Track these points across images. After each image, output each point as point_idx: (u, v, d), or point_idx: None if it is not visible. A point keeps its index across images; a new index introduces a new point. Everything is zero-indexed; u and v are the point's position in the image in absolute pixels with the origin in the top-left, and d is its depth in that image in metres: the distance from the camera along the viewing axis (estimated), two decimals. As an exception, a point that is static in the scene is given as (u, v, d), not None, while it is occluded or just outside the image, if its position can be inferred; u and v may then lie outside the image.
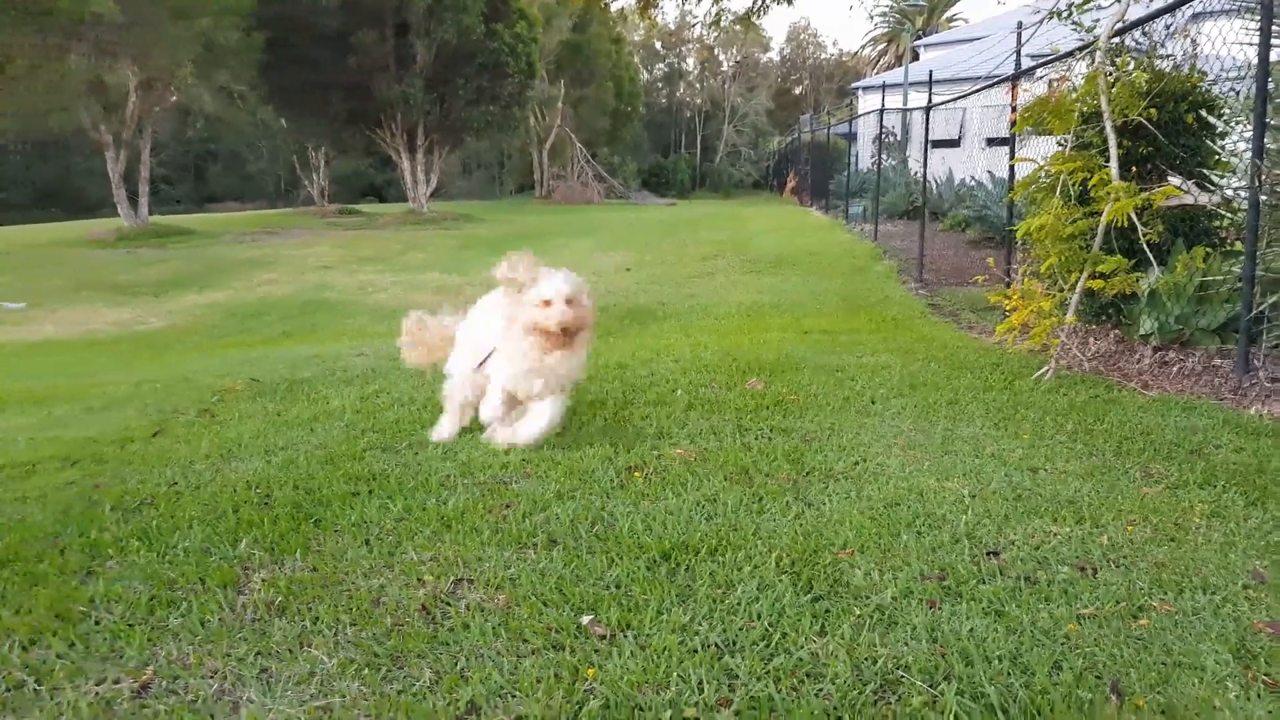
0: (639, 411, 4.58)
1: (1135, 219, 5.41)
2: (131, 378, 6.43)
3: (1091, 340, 6.50)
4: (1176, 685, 2.01)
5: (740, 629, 2.23)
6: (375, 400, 5.06)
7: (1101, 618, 2.32)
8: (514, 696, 1.96)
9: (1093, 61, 6.25)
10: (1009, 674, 2.03)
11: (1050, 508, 3.16)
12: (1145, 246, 5.52)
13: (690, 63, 55.83)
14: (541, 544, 2.79)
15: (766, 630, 2.23)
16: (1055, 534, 2.93)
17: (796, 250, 14.65)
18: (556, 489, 3.32)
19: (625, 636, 2.20)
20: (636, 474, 3.52)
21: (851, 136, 28.41)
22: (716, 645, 2.15)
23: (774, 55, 66.83)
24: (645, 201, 32.26)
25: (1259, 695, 1.98)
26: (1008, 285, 7.42)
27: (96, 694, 1.98)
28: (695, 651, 2.12)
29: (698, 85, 57.31)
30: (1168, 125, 6.35)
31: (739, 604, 2.37)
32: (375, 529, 2.91)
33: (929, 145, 12.23)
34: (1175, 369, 5.75)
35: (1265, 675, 2.06)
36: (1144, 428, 4.27)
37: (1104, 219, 5.57)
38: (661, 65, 56.47)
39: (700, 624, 2.25)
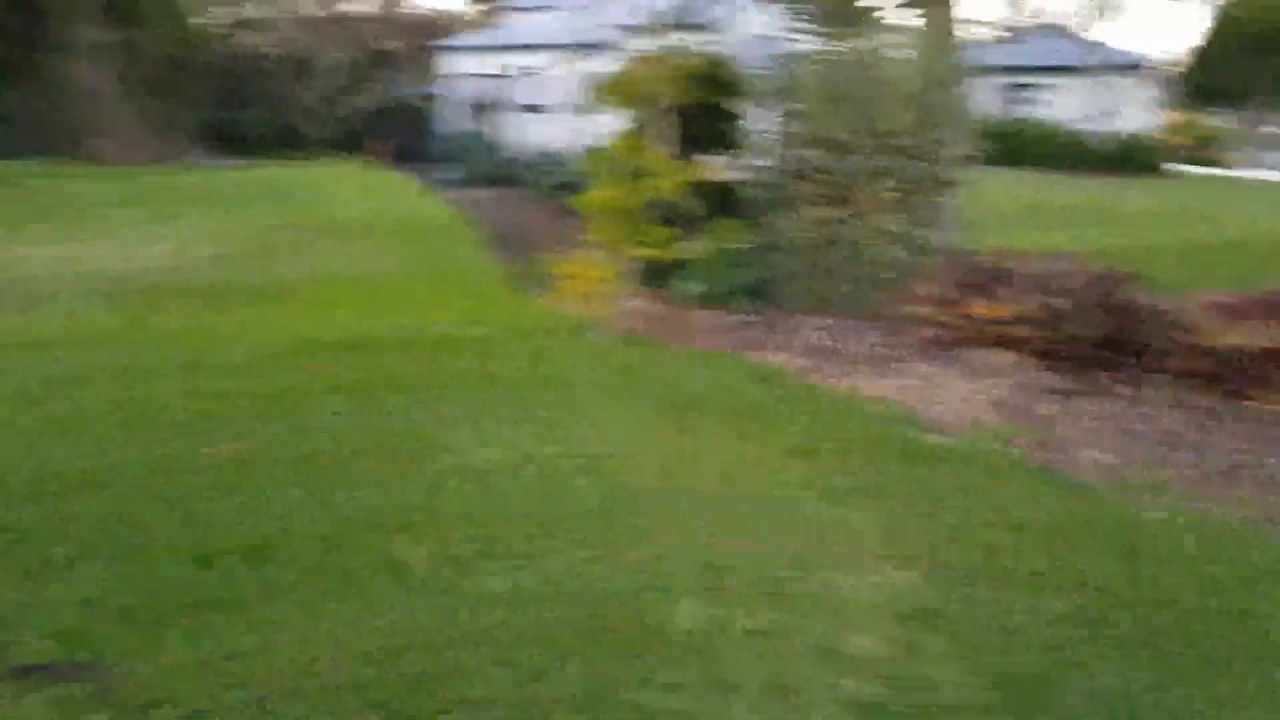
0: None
1: (682, 193, 6.18)
2: None
3: (646, 305, 7.31)
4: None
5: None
6: None
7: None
8: None
9: (658, 43, 6.97)
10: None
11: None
12: (687, 219, 6.35)
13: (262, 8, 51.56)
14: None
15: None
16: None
17: (383, 218, 14.50)
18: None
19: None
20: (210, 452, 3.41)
21: (441, 99, 28.34)
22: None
23: (364, 6, 63.78)
24: (213, 162, 29.54)
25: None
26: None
27: None
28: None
29: (274, 33, 53.11)
30: (714, 109, 7.26)
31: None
32: None
33: (517, 111, 12.61)
34: (715, 327, 6.68)
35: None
36: (676, 379, 4.97)
37: (657, 193, 6.29)
38: (229, 8, 51.48)
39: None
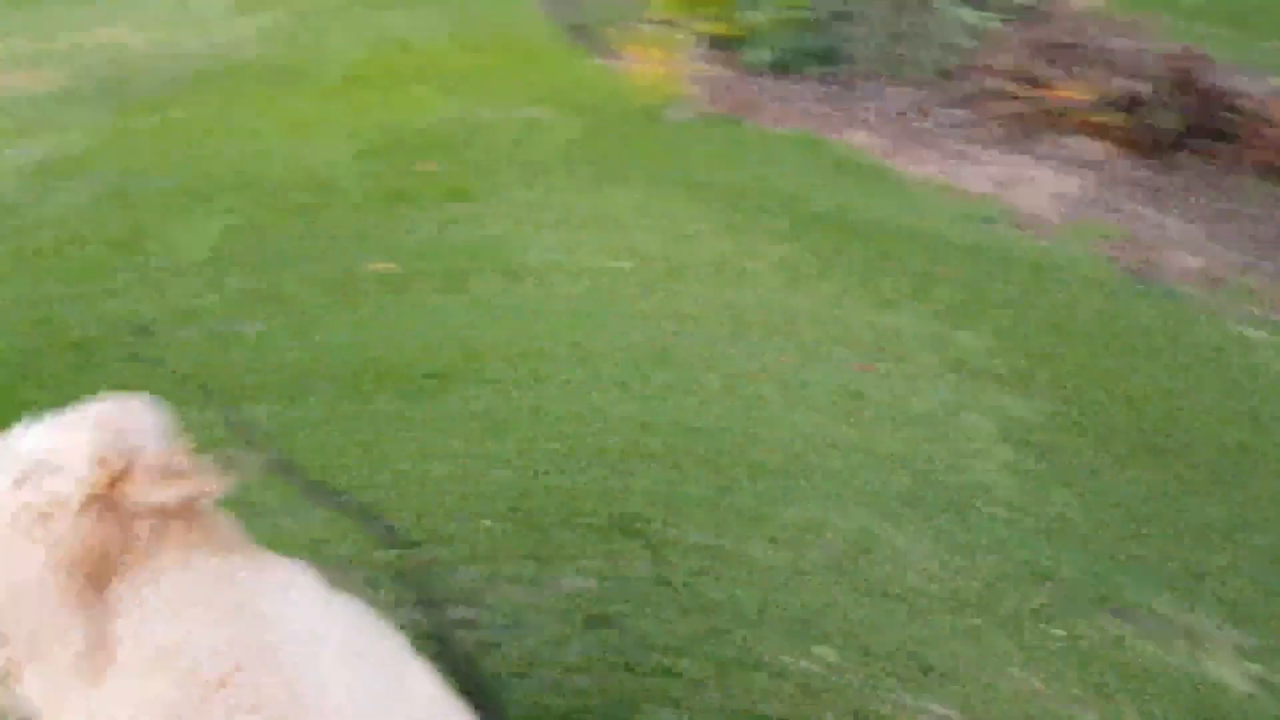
0: (324, 219, 4.75)
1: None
2: None
3: (716, 76, 7.32)
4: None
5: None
6: (39, 237, 4.78)
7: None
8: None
9: None
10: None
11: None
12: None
13: None
14: (290, 395, 3.17)
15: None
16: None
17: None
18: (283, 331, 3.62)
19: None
20: (353, 299, 3.88)
21: None
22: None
23: None
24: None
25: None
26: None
27: None
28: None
29: None
30: None
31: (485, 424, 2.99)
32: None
33: None
34: (788, 97, 6.74)
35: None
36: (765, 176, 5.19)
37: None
38: None
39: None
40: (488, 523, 2.52)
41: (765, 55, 7.07)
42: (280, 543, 2.32)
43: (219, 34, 10.60)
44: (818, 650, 2.18)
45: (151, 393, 3.15)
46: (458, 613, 2.17)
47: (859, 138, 5.78)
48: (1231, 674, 2.16)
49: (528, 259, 4.19)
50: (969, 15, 6.15)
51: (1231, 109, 4.67)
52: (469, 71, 7.84)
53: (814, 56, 7.01)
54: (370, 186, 5.10)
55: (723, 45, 7.30)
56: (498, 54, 8.42)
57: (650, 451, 2.89)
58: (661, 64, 6.32)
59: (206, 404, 3.06)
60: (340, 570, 2.34)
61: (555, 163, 5.47)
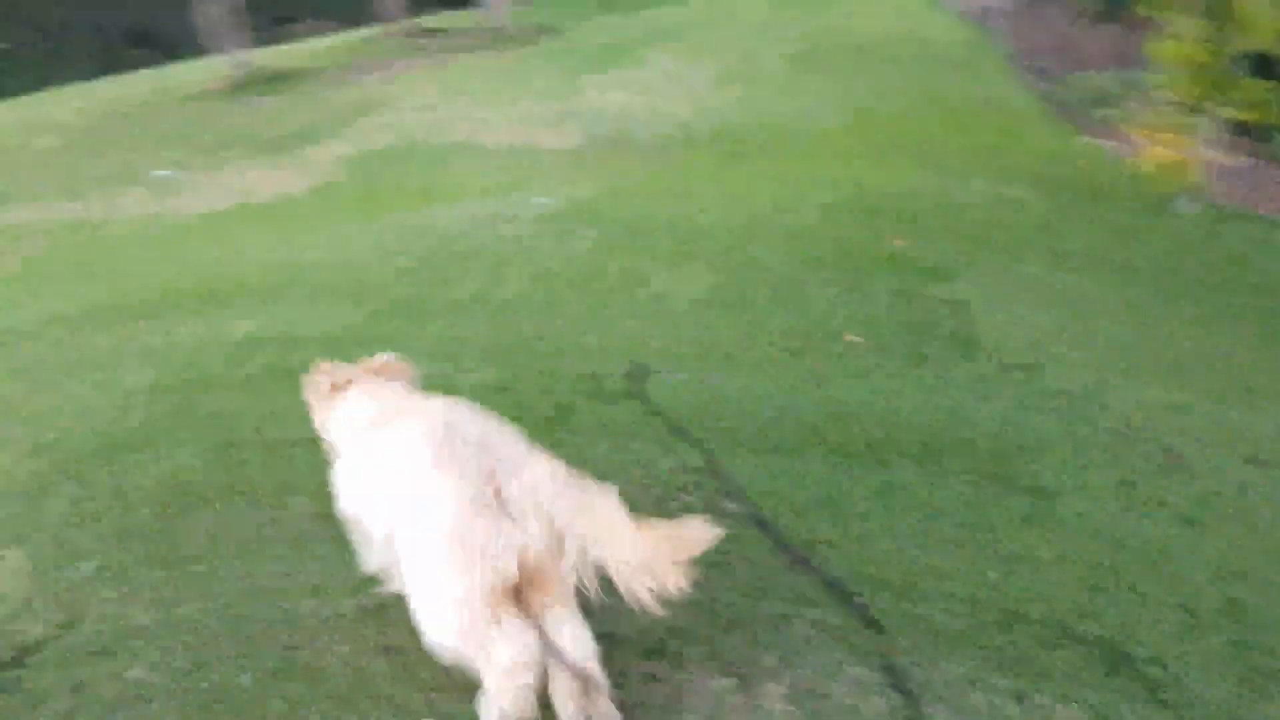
0: (792, 280, 4.98)
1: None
2: (307, 255, 7.03)
3: (1235, 161, 6.51)
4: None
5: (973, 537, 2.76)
6: (548, 277, 5.56)
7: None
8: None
9: None
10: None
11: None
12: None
13: None
14: (767, 449, 3.34)
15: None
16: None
17: (890, 37, 14.13)
18: (756, 387, 3.82)
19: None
20: (816, 365, 4.01)
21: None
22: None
23: None
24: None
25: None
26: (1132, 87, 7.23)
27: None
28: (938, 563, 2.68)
29: None
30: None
31: (954, 506, 2.91)
32: (619, 435, 3.47)
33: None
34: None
35: None
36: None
37: (1251, 39, 5.48)
38: None
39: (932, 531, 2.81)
40: (966, 622, 2.43)
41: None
42: (751, 602, 2.45)
43: (706, 102, 11.71)
44: None
45: (640, 432, 3.51)
46: (935, 710, 2.09)
47: None
48: None
49: (1006, 345, 4.04)
50: None
51: None
52: (943, 143, 7.80)
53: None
54: (843, 254, 5.25)
55: (1251, 133, 6.48)
56: (975, 127, 8.27)
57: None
58: (1170, 148, 5.75)
59: (691, 448, 3.33)
60: (803, 638, 2.39)
61: (1036, 246, 5.22)
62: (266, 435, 3.75)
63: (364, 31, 27.71)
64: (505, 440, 2.06)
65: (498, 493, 1.81)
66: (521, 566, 1.77)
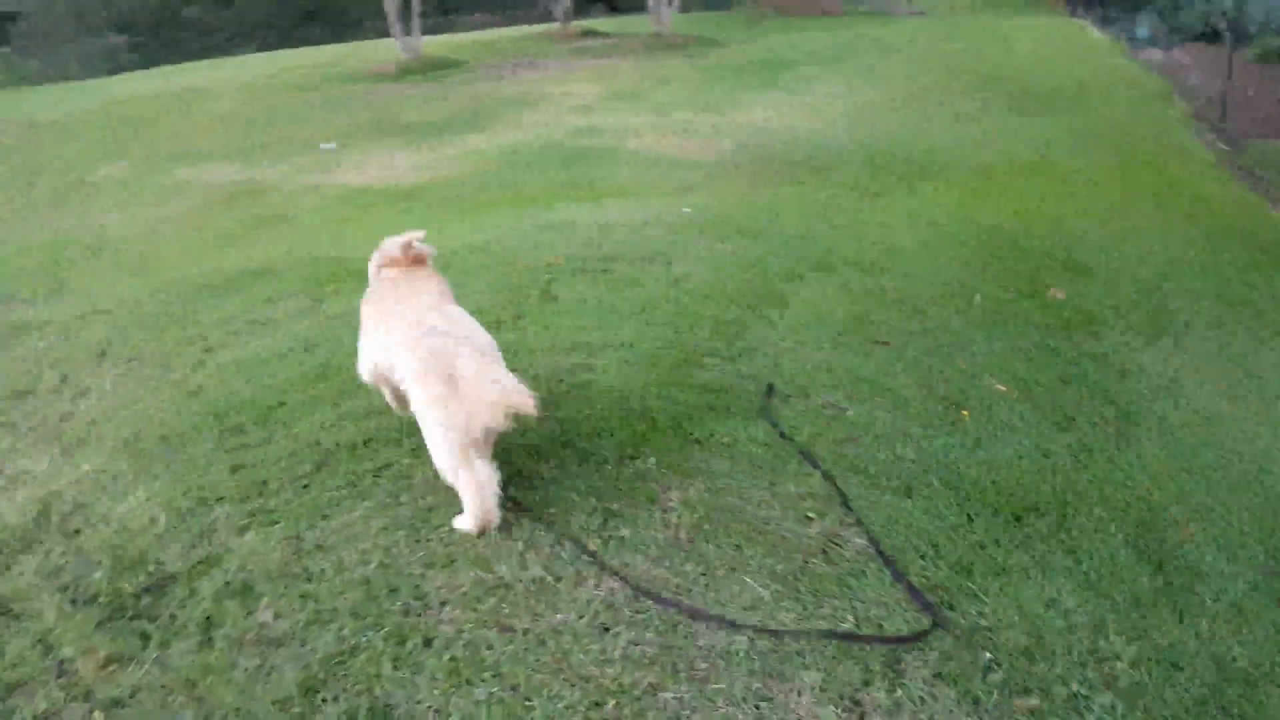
0: (937, 319, 4.83)
1: None
2: (455, 240, 7.25)
3: None
4: None
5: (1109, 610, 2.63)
6: (685, 287, 5.57)
7: None
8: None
9: None
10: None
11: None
12: None
13: None
14: (897, 489, 3.25)
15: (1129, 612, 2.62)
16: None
17: (1068, 84, 13.60)
18: (891, 421, 3.74)
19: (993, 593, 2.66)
20: (965, 412, 3.88)
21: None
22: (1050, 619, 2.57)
23: None
24: (890, 9, 30.15)
25: None
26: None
27: (600, 598, 2.68)
28: (1072, 630, 2.56)
29: None
30: None
31: (1093, 577, 2.76)
32: (746, 455, 3.46)
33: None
34: None
35: None
36: None
37: None
38: None
39: (1066, 597, 2.68)
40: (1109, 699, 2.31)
41: None
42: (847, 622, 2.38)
43: (866, 127, 11.51)
44: None
45: (766, 453, 3.47)
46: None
47: None
48: None
49: (1167, 410, 3.81)
50: None
51: None
52: (1116, 194, 7.45)
53: None
54: (994, 297, 5.07)
55: None
56: (1153, 182, 7.85)
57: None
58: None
59: (817, 476, 3.28)
60: (920, 680, 2.32)
61: (1209, 311, 4.93)
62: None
63: (527, 28, 28.53)
64: (464, 332, 3.08)
65: (453, 379, 2.83)
66: (471, 431, 2.79)
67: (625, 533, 2.95)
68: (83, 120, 14.44)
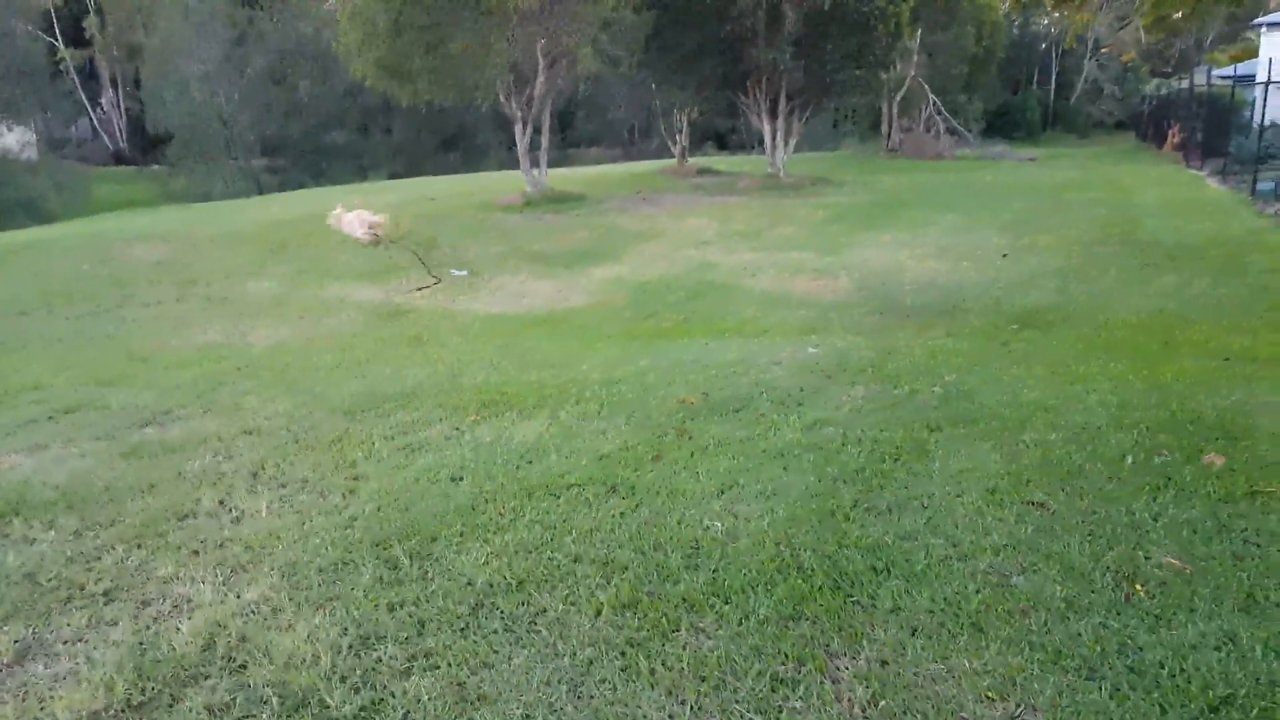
0: (1091, 481, 4.61)
1: None
2: (591, 373, 7.38)
3: None
4: None
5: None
6: (823, 433, 5.49)
7: None
8: None
9: None
10: None
11: None
12: None
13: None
14: (1079, 670, 3.04)
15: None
16: None
17: (1193, 238, 13.27)
18: (1062, 593, 3.53)
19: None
20: (1138, 587, 3.65)
21: (1255, 83, 24.80)
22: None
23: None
24: (1001, 156, 30.38)
25: None
26: None
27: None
28: None
29: (1055, 14, 52.50)
30: None
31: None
32: (915, 623, 3.30)
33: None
34: None
35: None
36: None
37: None
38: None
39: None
40: None
41: None
42: None
43: (986, 273, 11.44)
44: None
45: (933, 617, 3.31)
46: None
47: None
48: None
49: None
50: None
51: None
52: (1264, 359, 7.14)
53: None
54: (1147, 462, 4.83)
55: None
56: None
57: None
58: None
59: (985, 645, 3.10)
60: None
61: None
62: (561, 543, 3.87)
63: (643, 164, 29.77)
64: None
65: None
66: None
67: (796, 703, 2.82)
68: (234, 237, 15.49)
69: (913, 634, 3.20)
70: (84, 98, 41.94)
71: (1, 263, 14.66)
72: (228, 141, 34.66)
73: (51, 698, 2.96)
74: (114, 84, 43.82)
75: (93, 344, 9.42)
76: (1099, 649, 3.16)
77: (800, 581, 3.55)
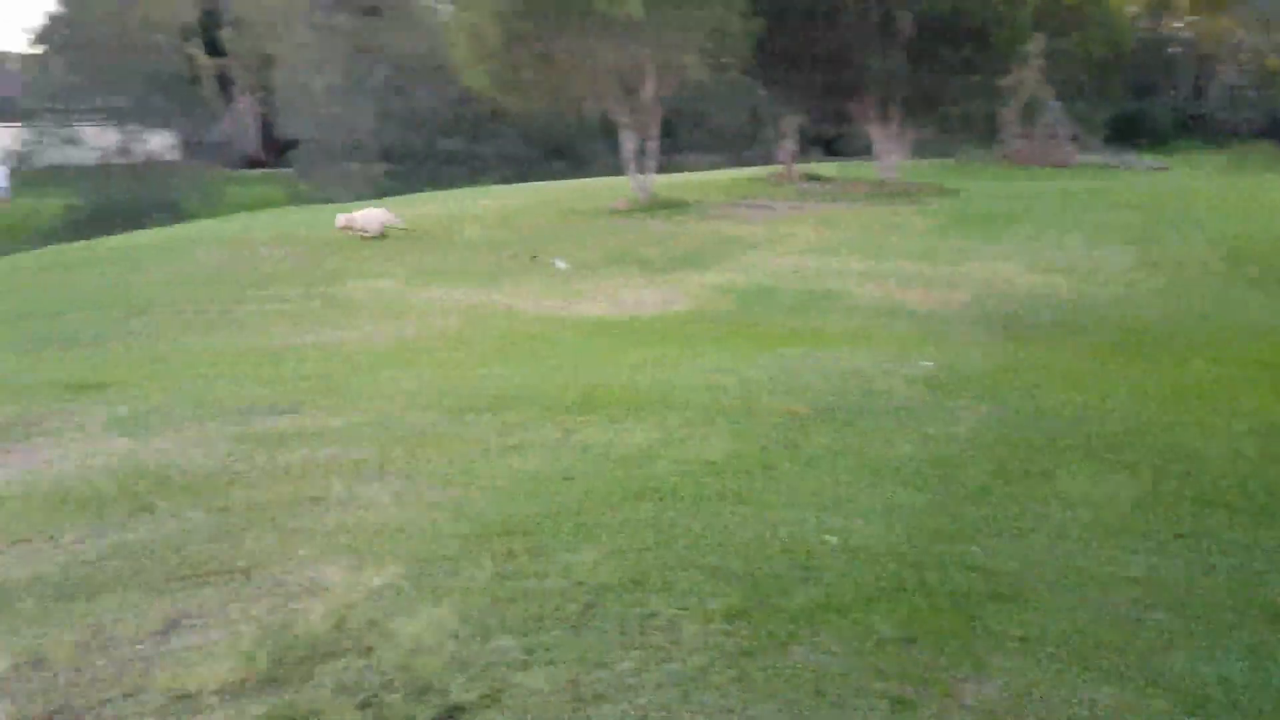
0: (1238, 514, 4.38)
1: None
2: (694, 378, 7.38)
3: None
4: None
5: None
6: (940, 450, 5.35)
7: None
8: None
9: None
10: None
11: None
12: None
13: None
14: (1227, 717, 2.88)
15: None
16: None
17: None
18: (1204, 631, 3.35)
19: None
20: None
21: None
22: None
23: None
24: (1127, 164, 29.09)
25: None
26: None
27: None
28: None
29: (1190, 19, 49.93)
30: None
31: None
32: (1045, 654, 3.16)
33: None
34: None
35: None
36: None
37: None
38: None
39: None
40: None
41: None
42: None
43: (1111, 287, 10.99)
44: None
45: (1065, 649, 3.18)
46: None
47: None
48: None
49: None
50: None
51: None
52: None
53: None
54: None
55: None
56: None
57: None
58: None
59: (1118, 683, 2.97)
60: None
61: None
62: (671, 548, 3.89)
63: (749, 170, 29.62)
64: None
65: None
66: None
67: (918, 726, 2.76)
68: (353, 239, 16.11)
69: (1042, 665, 3.09)
70: (220, 104, 44.28)
71: (141, 258, 15.60)
72: (350, 147, 36.04)
73: (197, 667, 3.13)
74: (247, 91, 46.17)
75: (225, 337, 9.93)
76: (1250, 694, 2.99)
77: (922, 602, 3.47)
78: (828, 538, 4.06)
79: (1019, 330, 9.32)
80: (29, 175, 32.68)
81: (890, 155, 21.89)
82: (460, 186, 30.71)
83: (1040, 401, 6.28)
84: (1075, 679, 3.00)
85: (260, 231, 17.76)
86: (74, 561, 4.03)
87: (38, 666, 3.21)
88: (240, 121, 46.17)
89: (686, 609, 3.44)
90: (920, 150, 28.64)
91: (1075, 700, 2.89)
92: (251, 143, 45.80)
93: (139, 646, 3.31)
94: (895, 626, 3.27)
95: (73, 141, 34.37)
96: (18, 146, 35.19)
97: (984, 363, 7.71)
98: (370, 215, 16.12)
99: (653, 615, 3.41)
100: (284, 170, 38.96)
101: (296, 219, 20.83)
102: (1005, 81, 26.14)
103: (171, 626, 3.45)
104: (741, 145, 39.86)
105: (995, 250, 13.89)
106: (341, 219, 15.96)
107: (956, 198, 20.08)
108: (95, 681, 3.11)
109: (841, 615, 3.36)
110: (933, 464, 5.05)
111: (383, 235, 15.69)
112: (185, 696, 2.98)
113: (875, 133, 21.81)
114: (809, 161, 32.25)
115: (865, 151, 29.41)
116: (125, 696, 3.01)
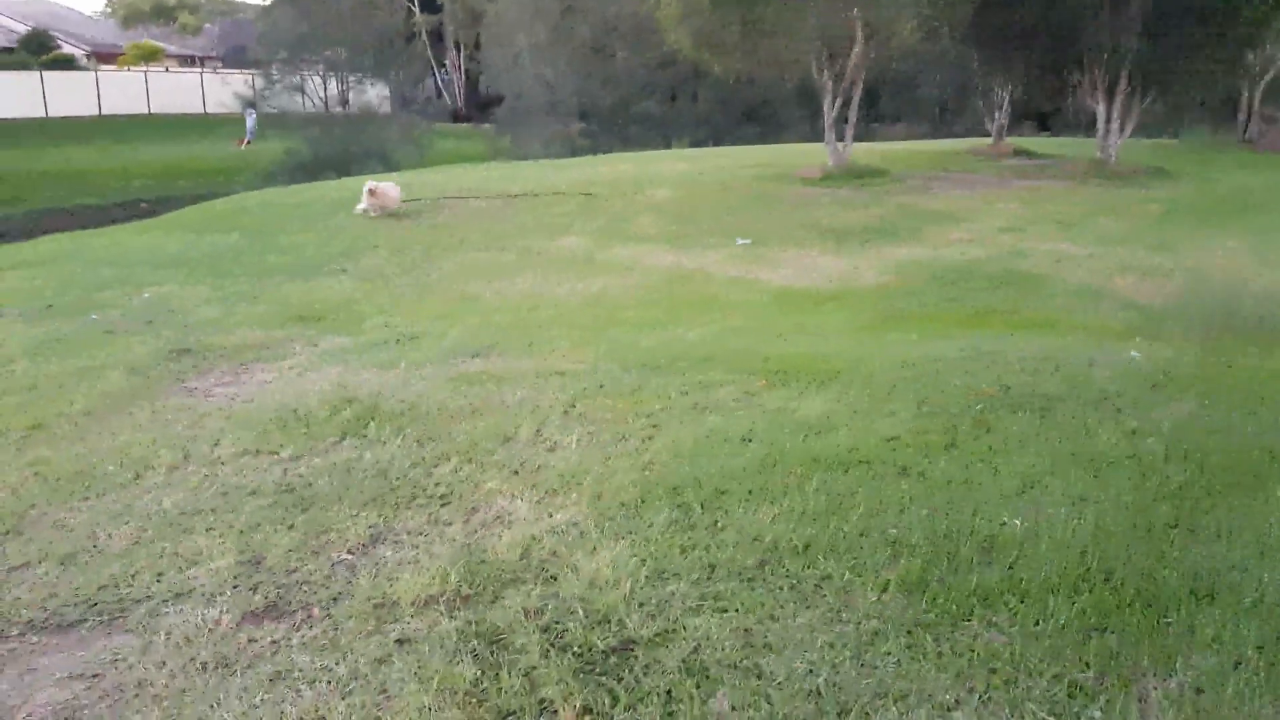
0: None
1: None
2: (878, 353, 7.23)
3: None
4: None
5: None
6: (1144, 445, 5.03)
7: None
8: None
9: None
10: None
11: None
12: None
13: None
14: None
15: None
16: None
17: None
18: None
19: None
20: None
21: None
22: None
23: None
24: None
25: None
26: None
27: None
28: None
29: None
30: None
31: None
32: (1240, 659, 2.98)
33: None
34: None
35: None
36: None
37: None
38: None
39: None
40: None
41: None
42: None
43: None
44: None
45: (1263, 655, 2.98)
46: None
47: None
48: None
49: None
50: None
51: None
52: None
53: None
54: None
55: None
56: None
57: None
58: None
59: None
60: None
61: None
62: (848, 516, 3.89)
63: (954, 142, 28.34)
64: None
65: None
66: None
67: (1096, 713, 2.68)
68: (549, 195, 16.66)
69: (1235, 667, 2.91)
70: (432, 60, 46.63)
71: (353, 201, 16.76)
72: (549, 106, 37.13)
73: (397, 579, 3.44)
74: (457, 48, 48.34)
75: (428, 284, 10.57)
76: None
77: (1108, 594, 3.33)
78: (1012, 521, 3.94)
79: (1243, 329, 8.54)
80: (259, 120, 35.74)
81: (1113, 133, 20.33)
82: (653, 149, 31.04)
83: (1258, 407, 5.76)
84: (1272, 684, 2.81)
85: (454, 185, 18.64)
86: (291, 475, 4.49)
87: (256, 565, 3.62)
88: (449, 77, 48.41)
89: (861, 576, 3.45)
90: (1146, 130, 26.44)
91: (1269, 704, 2.71)
92: (457, 98, 47.97)
93: (345, 556, 3.67)
94: (1077, 615, 3.16)
95: (298, 90, 37.16)
96: (250, 93, 38.58)
97: (1198, 360, 7.13)
98: (388, 189, 14.90)
99: (826, 578, 3.44)
100: (486, 126, 40.65)
101: (495, 174, 21.71)
102: (1253, 60, 23.65)
103: (375, 540, 3.79)
104: (948, 116, 38.15)
105: (1223, 241, 12.72)
106: (371, 188, 14.66)
107: (1181, 182, 18.47)
108: (305, 583, 3.47)
109: (1021, 599, 3.28)
110: (1130, 458, 4.77)
111: (381, 212, 14.48)
112: (385, 604, 3.29)
113: (1100, 108, 20.26)
114: (1020, 136, 30.47)
115: (1083, 128, 27.45)
116: (332, 600, 3.35)
